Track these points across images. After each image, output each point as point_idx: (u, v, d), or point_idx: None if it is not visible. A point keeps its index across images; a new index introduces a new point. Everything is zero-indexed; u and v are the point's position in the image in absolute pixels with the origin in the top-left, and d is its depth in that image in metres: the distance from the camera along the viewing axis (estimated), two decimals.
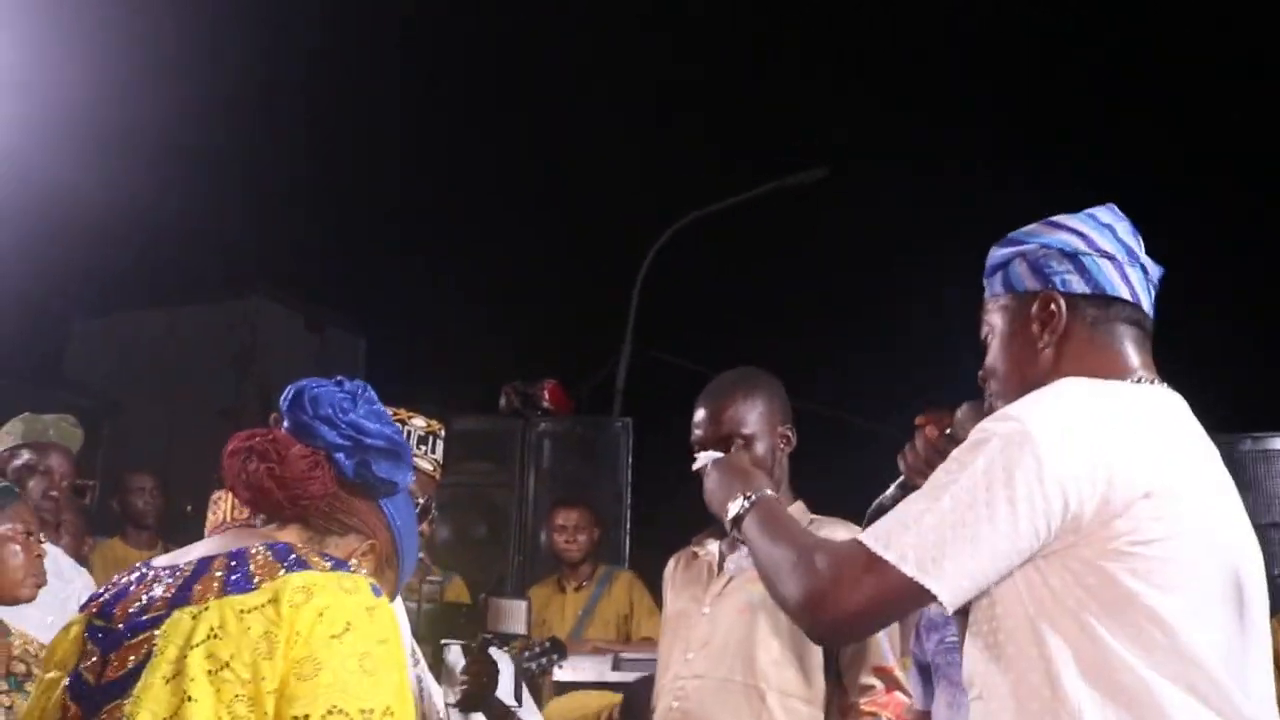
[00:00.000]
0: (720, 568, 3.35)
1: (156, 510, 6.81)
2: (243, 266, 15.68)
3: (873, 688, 3.14)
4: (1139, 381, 2.13)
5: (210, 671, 1.83)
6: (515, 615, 3.63)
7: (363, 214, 14.58)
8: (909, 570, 1.93)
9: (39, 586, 3.31)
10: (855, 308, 14.89)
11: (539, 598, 7.06)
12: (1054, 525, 1.92)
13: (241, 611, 1.86)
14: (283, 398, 2.15)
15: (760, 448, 3.31)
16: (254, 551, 1.96)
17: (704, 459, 2.64)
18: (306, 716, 1.80)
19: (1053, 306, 2.17)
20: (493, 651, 3.55)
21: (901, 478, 2.48)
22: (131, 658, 1.89)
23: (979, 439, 1.98)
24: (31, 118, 8.28)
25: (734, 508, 2.36)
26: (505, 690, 3.53)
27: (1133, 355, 2.17)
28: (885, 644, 3.18)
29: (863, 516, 2.35)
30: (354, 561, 2.10)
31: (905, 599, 1.97)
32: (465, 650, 3.55)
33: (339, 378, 2.18)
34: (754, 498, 2.34)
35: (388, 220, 14.75)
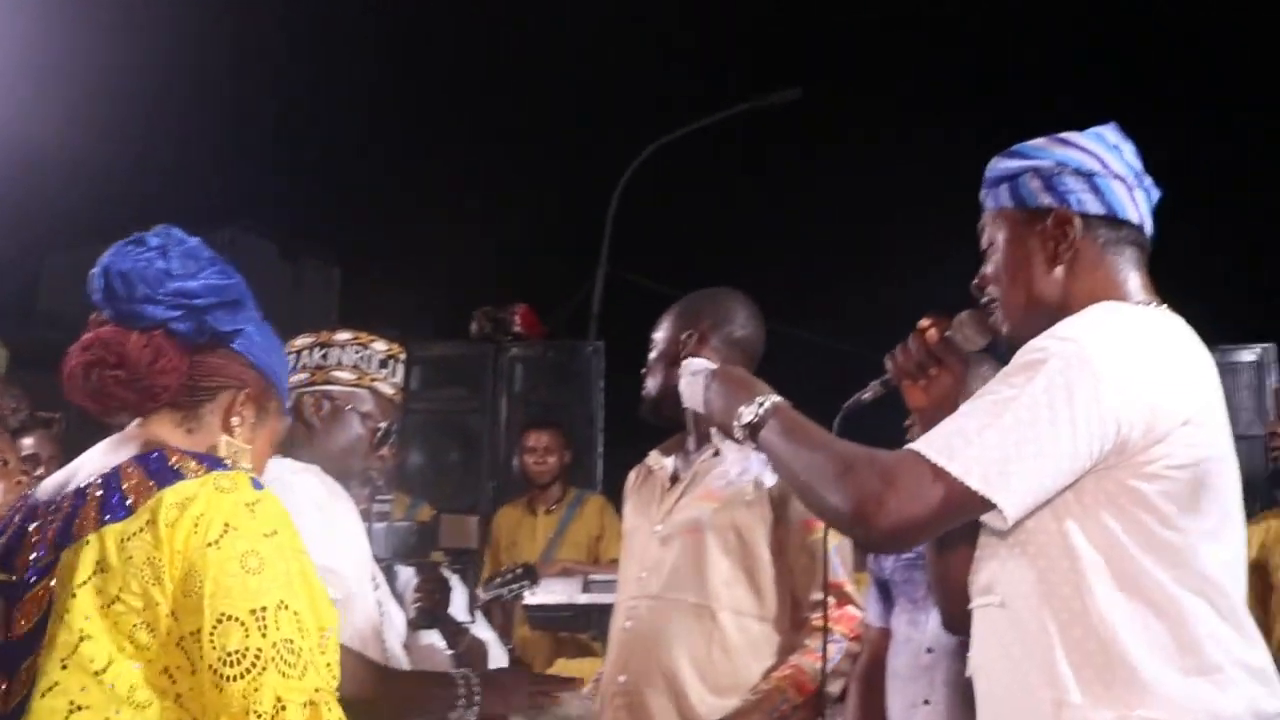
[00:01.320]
0: (672, 482, 3.35)
1: None
2: (217, 199, 15.58)
3: (826, 602, 3.15)
4: (1147, 305, 2.17)
5: (102, 606, 1.79)
6: (465, 530, 3.64)
7: (334, 143, 14.47)
8: (974, 484, 1.95)
9: None
10: (829, 229, 14.85)
11: (509, 520, 7.10)
12: (1106, 448, 1.97)
13: (122, 540, 1.81)
14: (91, 288, 2.01)
15: (666, 352, 3.35)
16: (126, 469, 1.89)
17: (693, 366, 2.54)
18: (198, 631, 1.77)
19: (1069, 226, 2.18)
20: (444, 571, 3.57)
21: (885, 376, 2.45)
22: (35, 609, 1.85)
23: (1037, 358, 2.01)
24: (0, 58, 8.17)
25: (748, 414, 2.26)
26: (459, 607, 3.55)
27: (1139, 278, 2.21)
28: (836, 559, 3.19)
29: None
30: (236, 419, 2.06)
31: (965, 510, 2.00)
32: (418, 569, 3.55)
33: (138, 234, 2.05)
34: (768, 404, 2.26)
35: (359, 149, 14.66)
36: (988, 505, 1.96)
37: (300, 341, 3.16)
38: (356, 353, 3.11)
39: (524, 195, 14.76)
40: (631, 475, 3.55)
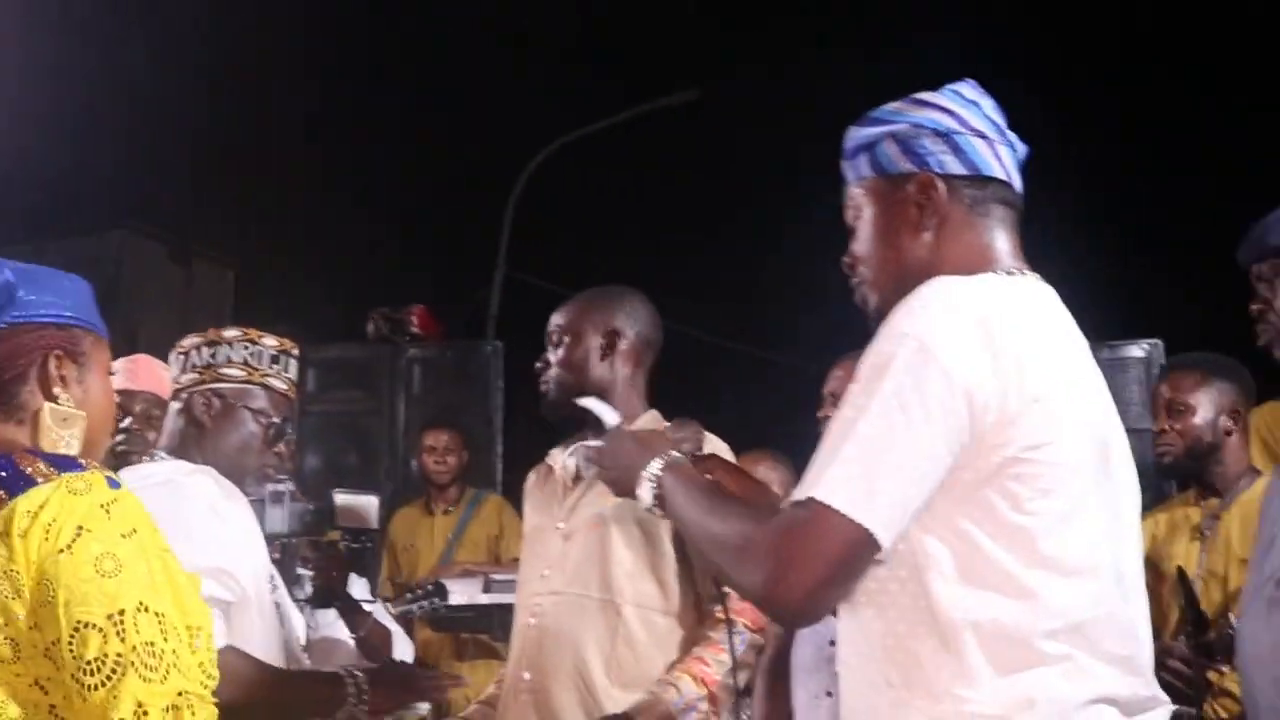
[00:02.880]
0: (575, 481, 3.33)
1: None
2: (108, 201, 15.30)
3: (728, 594, 3.15)
4: (1010, 273, 2.08)
5: None
6: (365, 511, 3.58)
7: (226, 145, 14.27)
8: (839, 505, 1.84)
9: None
10: (731, 231, 14.92)
11: (407, 521, 7.04)
12: (964, 438, 1.88)
13: None
14: None
15: (577, 348, 3.31)
16: None
17: (596, 409, 2.48)
18: (56, 641, 1.73)
19: (933, 190, 2.10)
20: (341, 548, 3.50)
21: None
22: None
23: (879, 362, 1.91)
24: None
25: (646, 493, 2.21)
26: (359, 588, 3.49)
27: (1010, 240, 2.13)
28: None
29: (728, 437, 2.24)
30: (57, 387, 1.95)
31: (853, 545, 1.87)
32: (313, 545, 3.48)
33: None
34: (657, 476, 2.18)
35: (252, 150, 14.46)
36: (863, 529, 1.84)
37: (188, 341, 3.11)
38: (246, 349, 3.06)
39: (421, 196, 14.67)
40: (531, 475, 3.52)
